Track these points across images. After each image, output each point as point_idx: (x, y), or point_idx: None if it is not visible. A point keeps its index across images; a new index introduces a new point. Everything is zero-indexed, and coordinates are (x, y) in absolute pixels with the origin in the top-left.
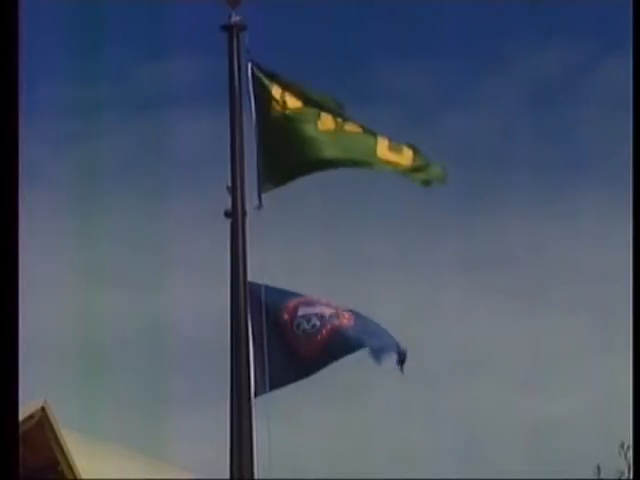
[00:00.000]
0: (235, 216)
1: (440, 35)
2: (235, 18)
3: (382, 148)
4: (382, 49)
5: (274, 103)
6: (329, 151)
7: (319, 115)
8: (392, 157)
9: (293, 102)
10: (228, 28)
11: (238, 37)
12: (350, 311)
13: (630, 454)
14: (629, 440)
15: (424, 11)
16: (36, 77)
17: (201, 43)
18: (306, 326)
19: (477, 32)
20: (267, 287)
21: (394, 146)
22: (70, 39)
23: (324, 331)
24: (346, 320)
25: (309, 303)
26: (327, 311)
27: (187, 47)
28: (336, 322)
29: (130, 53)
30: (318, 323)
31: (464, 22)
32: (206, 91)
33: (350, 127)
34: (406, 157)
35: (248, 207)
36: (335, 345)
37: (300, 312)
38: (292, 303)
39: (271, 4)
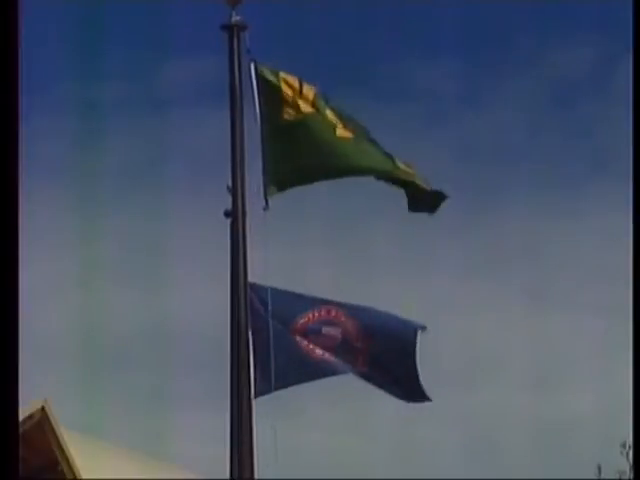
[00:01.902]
0: (235, 216)
1: (455, 35)
2: (235, 18)
3: (399, 163)
4: (384, 49)
5: (286, 105)
6: (348, 159)
7: (337, 122)
8: (410, 170)
9: (307, 105)
10: (228, 28)
11: (239, 37)
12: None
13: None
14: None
15: (435, 11)
16: (36, 77)
17: (201, 43)
18: (328, 330)
19: (498, 31)
20: (271, 289)
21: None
22: (69, 39)
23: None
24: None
25: (329, 322)
26: (338, 338)
27: (187, 47)
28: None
29: (130, 53)
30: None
31: (484, 22)
32: (206, 91)
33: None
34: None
35: (248, 207)
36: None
37: (323, 330)
38: (309, 316)
39: (271, 4)
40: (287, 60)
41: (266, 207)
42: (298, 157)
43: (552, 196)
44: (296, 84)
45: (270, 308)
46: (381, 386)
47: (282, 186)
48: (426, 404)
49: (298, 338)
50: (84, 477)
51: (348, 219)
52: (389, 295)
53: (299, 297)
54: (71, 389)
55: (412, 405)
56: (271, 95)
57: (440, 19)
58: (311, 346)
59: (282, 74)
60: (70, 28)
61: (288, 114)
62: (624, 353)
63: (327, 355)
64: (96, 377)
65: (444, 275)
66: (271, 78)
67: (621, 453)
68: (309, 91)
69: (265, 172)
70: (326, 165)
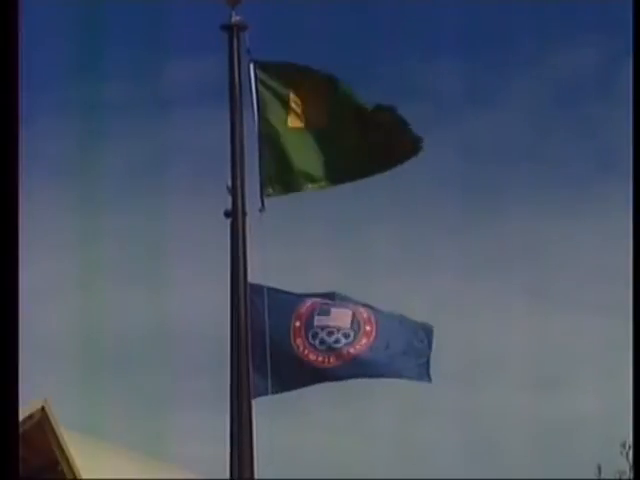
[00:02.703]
0: (235, 216)
1: (456, 35)
2: (235, 18)
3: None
4: (385, 49)
5: (292, 113)
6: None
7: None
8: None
9: (315, 114)
10: (228, 28)
11: (238, 37)
12: (367, 307)
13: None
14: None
15: (435, 11)
16: (36, 77)
17: (201, 43)
18: (327, 339)
19: (499, 32)
20: (270, 289)
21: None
22: (69, 40)
23: (350, 350)
24: (366, 340)
25: (323, 310)
26: (346, 320)
27: (187, 47)
28: (357, 346)
29: (130, 53)
30: (343, 340)
31: (485, 22)
32: (207, 91)
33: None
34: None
35: (248, 208)
36: (358, 366)
37: (317, 322)
38: (303, 308)
39: (271, 4)
40: (287, 60)
41: (262, 208)
42: (299, 163)
43: (553, 196)
44: (306, 92)
45: (268, 309)
46: (381, 373)
47: (280, 189)
48: (426, 404)
49: (297, 341)
50: (84, 477)
51: (348, 219)
52: (390, 295)
53: (299, 295)
54: (71, 389)
55: (412, 405)
56: (275, 99)
57: (441, 19)
58: (306, 352)
59: (288, 79)
60: (70, 28)
61: (293, 123)
62: (624, 353)
63: (320, 358)
64: (96, 377)
65: (445, 275)
66: (275, 83)
67: (621, 453)
68: (320, 100)
69: (262, 173)
70: (328, 174)
